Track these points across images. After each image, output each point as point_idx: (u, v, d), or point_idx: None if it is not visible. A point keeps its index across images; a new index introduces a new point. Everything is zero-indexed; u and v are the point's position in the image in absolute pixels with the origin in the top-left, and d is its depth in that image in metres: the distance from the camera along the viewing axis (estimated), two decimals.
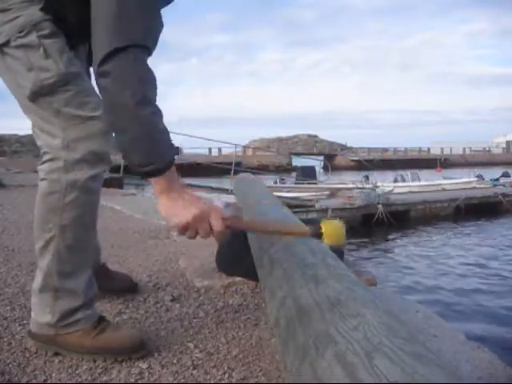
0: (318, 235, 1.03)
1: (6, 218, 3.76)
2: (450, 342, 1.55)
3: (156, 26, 1.01)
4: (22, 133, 34.73)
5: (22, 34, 1.05)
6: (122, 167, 10.83)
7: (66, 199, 1.12)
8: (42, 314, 1.21)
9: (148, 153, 0.93)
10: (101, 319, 1.26)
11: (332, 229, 1.04)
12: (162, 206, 1.01)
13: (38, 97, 1.08)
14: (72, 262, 1.18)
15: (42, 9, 1.05)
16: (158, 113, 0.94)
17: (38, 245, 1.18)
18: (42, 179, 1.15)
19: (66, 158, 1.10)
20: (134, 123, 0.91)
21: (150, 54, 0.97)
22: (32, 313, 1.24)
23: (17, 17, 1.05)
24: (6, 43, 1.06)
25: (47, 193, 1.13)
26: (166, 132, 0.97)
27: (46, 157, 1.13)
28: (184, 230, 0.98)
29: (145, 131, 0.92)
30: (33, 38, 1.06)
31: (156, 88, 0.96)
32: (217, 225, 0.97)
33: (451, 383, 0.48)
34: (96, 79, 0.94)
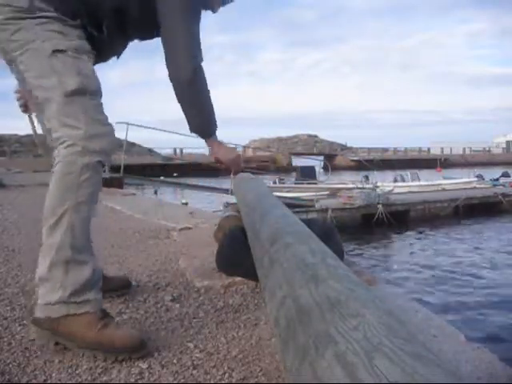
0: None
1: (6, 218, 3.76)
2: (450, 342, 1.55)
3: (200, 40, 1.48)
4: (22, 133, 34.72)
5: (76, 51, 1.31)
6: (122, 167, 10.83)
7: (81, 178, 1.28)
8: (52, 294, 1.24)
9: (212, 124, 1.58)
10: (105, 313, 1.30)
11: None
12: (220, 152, 1.66)
13: (76, 95, 1.28)
14: (84, 236, 1.30)
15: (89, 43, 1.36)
16: (212, 103, 1.55)
17: (49, 223, 1.29)
18: (59, 162, 1.28)
19: (84, 145, 1.27)
20: (208, 109, 1.54)
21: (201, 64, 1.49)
22: (39, 300, 1.27)
23: (73, 40, 1.32)
24: (63, 51, 1.28)
25: (66, 173, 1.28)
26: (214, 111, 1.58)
27: (65, 144, 1.28)
28: (234, 162, 1.71)
29: (211, 113, 1.56)
30: (85, 57, 1.33)
31: (207, 87, 1.53)
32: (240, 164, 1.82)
33: (451, 383, 0.48)
34: (179, 85, 1.45)
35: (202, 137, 1.60)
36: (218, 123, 1.61)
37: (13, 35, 1.28)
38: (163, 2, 1.39)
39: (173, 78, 1.45)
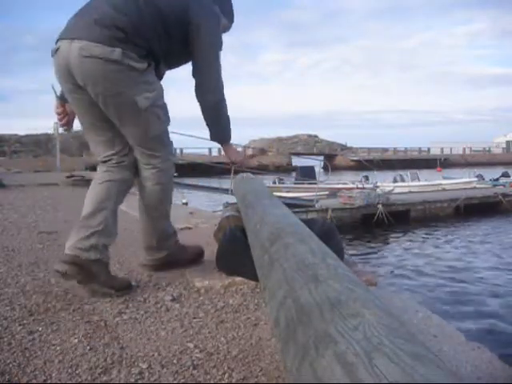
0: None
1: (6, 217, 3.76)
2: (450, 342, 1.55)
3: None
4: (22, 133, 34.73)
5: (158, 99, 1.78)
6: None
7: (168, 187, 1.96)
8: (160, 253, 2.02)
9: (228, 134, 2.02)
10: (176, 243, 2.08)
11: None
12: (231, 153, 2.15)
13: (158, 136, 1.83)
14: (169, 216, 2.06)
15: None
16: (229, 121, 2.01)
17: (154, 215, 1.95)
18: (156, 184, 1.89)
19: (166, 166, 1.88)
20: (227, 124, 1.99)
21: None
22: (147, 257, 2.03)
23: (155, 88, 1.77)
24: (150, 106, 1.71)
25: (160, 189, 1.91)
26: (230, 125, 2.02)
27: (150, 167, 1.86)
28: (240, 161, 2.27)
29: (228, 127, 2.00)
30: (163, 102, 1.82)
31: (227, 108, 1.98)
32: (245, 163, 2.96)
33: (451, 383, 0.48)
34: (210, 107, 1.90)
35: (220, 143, 2.08)
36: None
37: (109, 83, 1.64)
38: (201, 41, 1.78)
39: (204, 100, 1.88)
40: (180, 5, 1.75)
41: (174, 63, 1.92)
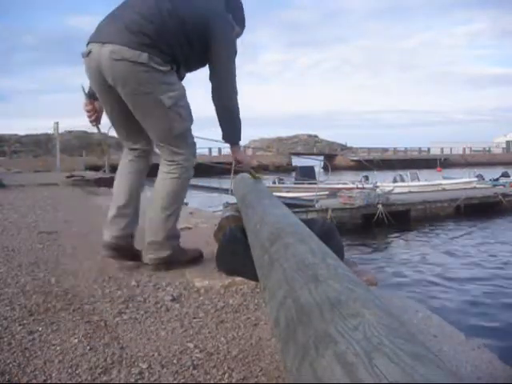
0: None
1: (6, 217, 3.76)
2: (450, 342, 1.55)
3: None
4: (22, 133, 34.74)
5: (181, 99, 1.93)
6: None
7: (184, 186, 2.05)
8: (164, 252, 2.04)
9: (238, 136, 2.15)
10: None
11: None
12: (240, 155, 2.24)
13: (181, 134, 1.96)
14: (177, 221, 2.10)
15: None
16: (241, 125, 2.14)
17: (166, 213, 2.00)
18: (176, 177, 1.99)
19: (188, 164, 2.01)
20: (239, 126, 2.11)
21: None
22: (149, 255, 2.04)
23: (178, 88, 1.92)
24: (173, 105, 1.87)
25: (177, 183, 2.00)
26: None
27: (174, 164, 1.98)
28: (247, 164, 2.40)
29: (239, 129, 2.12)
30: (185, 102, 1.96)
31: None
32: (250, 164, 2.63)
33: (451, 383, 0.48)
34: (225, 108, 2.04)
35: (230, 144, 2.19)
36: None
37: (137, 84, 1.79)
38: (219, 48, 1.93)
39: (221, 103, 2.01)
40: (201, 17, 1.90)
41: (193, 67, 2.06)
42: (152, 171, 2.15)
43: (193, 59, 1.97)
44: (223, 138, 2.12)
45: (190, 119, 1.99)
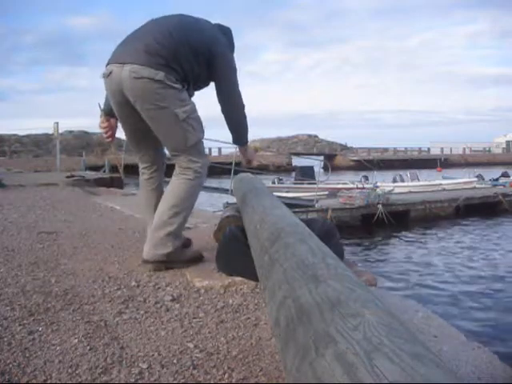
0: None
1: (6, 217, 3.76)
2: (450, 342, 1.55)
3: None
4: (21, 133, 34.74)
5: (193, 113, 2.10)
6: (122, 167, 10.82)
7: (196, 191, 2.17)
8: (164, 249, 2.09)
9: (246, 138, 2.38)
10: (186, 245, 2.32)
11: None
12: (249, 153, 2.52)
13: (195, 144, 2.11)
14: (185, 222, 2.22)
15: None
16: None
17: (174, 210, 2.10)
18: (192, 179, 2.12)
19: (202, 172, 2.16)
20: (246, 130, 2.34)
21: None
22: (150, 250, 2.10)
23: (189, 103, 2.10)
24: (187, 118, 2.04)
25: (191, 185, 2.12)
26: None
27: (191, 170, 2.12)
28: (253, 160, 2.64)
29: (247, 132, 2.34)
30: (197, 115, 2.13)
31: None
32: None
33: (451, 383, 0.48)
34: (234, 119, 2.27)
35: (240, 145, 2.43)
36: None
37: (154, 99, 1.97)
38: (224, 68, 2.16)
39: (230, 115, 2.23)
40: (206, 42, 2.11)
41: (201, 86, 2.29)
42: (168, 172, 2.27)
43: (200, 78, 2.19)
44: (234, 141, 2.38)
45: (202, 131, 2.16)
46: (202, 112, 2.17)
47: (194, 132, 2.09)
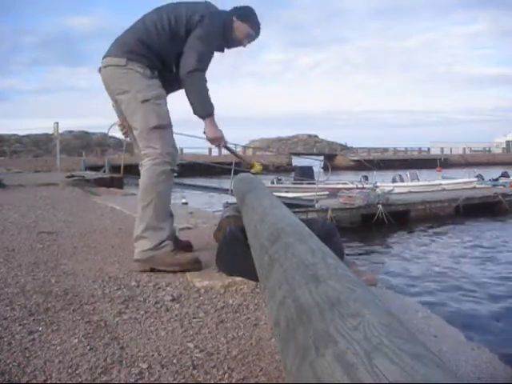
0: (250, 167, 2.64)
1: (6, 217, 3.76)
2: (450, 342, 1.55)
3: (210, 59, 2.15)
4: (21, 133, 34.73)
5: (156, 99, 2.07)
6: (122, 167, 10.82)
7: (159, 178, 2.07)
8: (145, 245, 2.07)
9: (207, 108, 2.13)
10: (175, 248, 2.15)
11: (257, 165, 2.62)
12: (208, 129, 2.16)
13: (156, 128, 2.07)
14: (163, 213, 2.11)
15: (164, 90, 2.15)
16: (209, 94, 2.11)
17: (142, 204, 2.08)
18: (147, 169, 2.07)
19: (162, 159, 2.07)
20: (204, 96, 2.10)
21: (205, 71, 2.12)
22: (136, 249, 2.10)
23: (155, 90, 2.09)
24: (148, 100, 2.05)
25: (150, 176, 2.07)
26: (210, 99, 2.12)
27: (149, 158, 2.07)
28: (216, 139, 2.22)
29: (206, 99, 2.11)
30: (162, 101, 2.11)
31: (206, 84, 2.11)
32: (223, 144, 2.30)
33: (451, 383, 0.48)
34: (185, 77, 2.06)
35: (201, 117, 2.15)
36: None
37: (118, 83, 2.08)
38: (192, 34, 2.07)
39: (182, 72, 2.06)
40: (188, 23, 2.09)
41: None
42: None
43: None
44: (193, 112, 2.14)
45: (167, 120, 2.11)
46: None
47: (155, 116, 2.06)
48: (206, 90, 2.11)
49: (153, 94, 2.07)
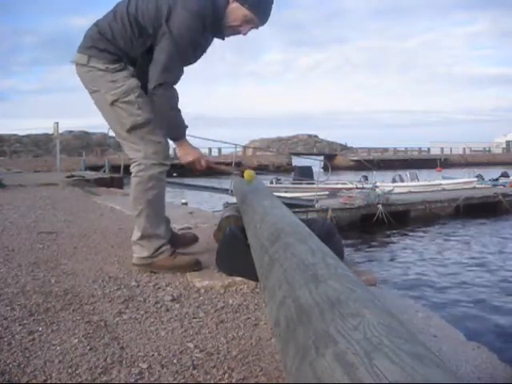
0: (241, 176, 2.39)
1: (6, 217, 3.76)
2: (450, 342, 1.55)
3: (180, 73, 1.93)
4: (21, 133, 34.74)
5: (125, 95, 1.90)
6: (122, 167, 10.82)
7: (147, 185, 1.96)
8: (142, 252, 2.04)
9: (176, 131, 1.97)
10: (173, 251, 2.10)
11: (248, 174, 2.34)
12: (180, 153, 2.00)
13: (132, 130, 1.93)
14: (157, 219, 2.04)
15: (136, 79, 1.92)
16: (179, 112, 1.92)
17: (135, 213, 2.03)
18: (134, 176, 1.98)
19: (147, 162, 1.94)
20: (170, 120, 1.92)
21: (174, 84, 1.90)
22: (134, 254, 2.08)
23: (122, 85, 1.90)
24: (117, 100, 1.89)
25: (137, 183, 1.97)
26: (182, 121, 1.94)
27: (135, 163, 1.97)
28: (190, 163, 2.00)
29: (174, 122, 1.93)
30: (132, 95, 1.91)
31: (177, 98, 1.91)
32: (202, 164, 2.03)
33: (451, 383, 0.48)
34: (150, 94, 1.86)
35: (171, 139, 2.01)
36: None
37: (87, 82, 1.96)
38: (163, 38, 1.82)
39: (148, 88, 1.87)
40: (156, 16, 1.84)
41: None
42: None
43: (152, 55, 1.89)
44: (171, 137, 2.00)
45: (142, 116, 1.91)
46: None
47: (127, 116, 1.90)
48: (173, 109, 1.88)
49: (121, 89, 1.88)
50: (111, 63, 1.89)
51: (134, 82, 1.91)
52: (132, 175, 2.00)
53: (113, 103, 1.90)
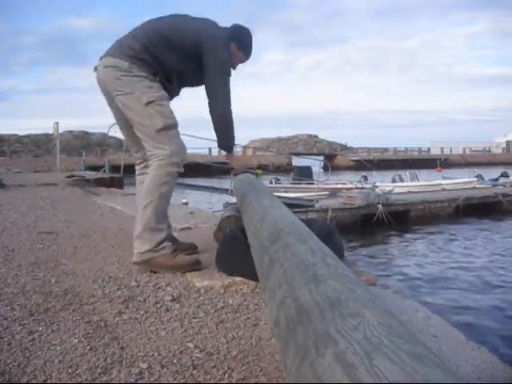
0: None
1: (6, 217, 3.76)
2: (450, 342, 1.55)
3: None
4: (21, 133, 34.74)
5: (160, 100, 2.11)
6: (122, 167, 10.82)
7: (164, 179, 2.10)
8: (143, 246, 2.08)
9: (232, 145, 2.43)
10: (174, 250, 2.16)
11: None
12: (233, 160, 2.56)
13: (163, 130, 2.10)
14: (162, 214, 2.14)
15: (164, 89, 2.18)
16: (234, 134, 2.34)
17: (143, 204, 2.10)
18: (153, 169, 2.10)
19: (169, 160, 2.10)
20: (231, 136, 2.32)
21: (231, 108, 2.25)
22: (134, 250, 2.12)
23: (158, 92, 2.12)
24: (153, 101, 2.08)
25: (156, 175, 2.10)
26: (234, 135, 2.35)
27: (157, 159, 2.10)
28: (237, 169, 2.67)
29: (232, 138, 2.34)
30: (165, 102, 2.15)
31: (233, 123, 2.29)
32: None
33: (451, 383, 0.48)
34: (218, 118, 2.22)
35: (225, 151, 2.47)
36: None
37: (117, 85, 2.07)
38: (209, 68, 2.14)
39: (214, 114, 2.19)
40: (193, 39, 2.13)
41: (191, 82, 2.31)
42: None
43: (188, 75, 2.23)
44: (218, 145, 2.39)
45: (172, 120, 2.14)
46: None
47: (160, 117, 2.09)
48: (233, 129, 2.30)
49: (157, 95, 2.09)
50: (150, 74, 2.10)
51: (166, 94, 2.17)
52: (151, 168, 2.12)
53: (148, 104, 2.06)
